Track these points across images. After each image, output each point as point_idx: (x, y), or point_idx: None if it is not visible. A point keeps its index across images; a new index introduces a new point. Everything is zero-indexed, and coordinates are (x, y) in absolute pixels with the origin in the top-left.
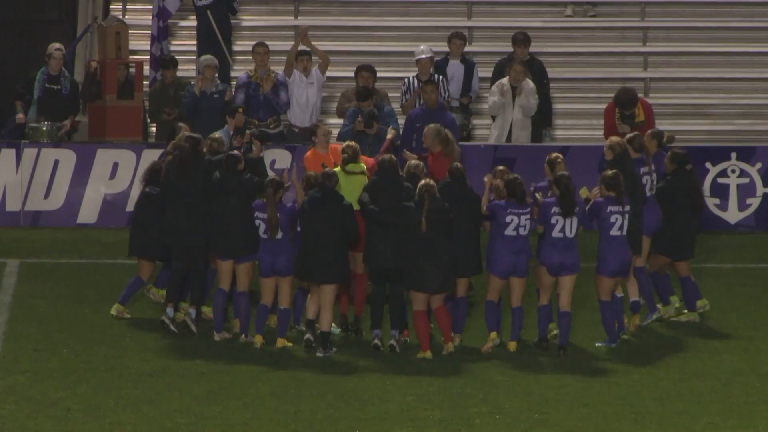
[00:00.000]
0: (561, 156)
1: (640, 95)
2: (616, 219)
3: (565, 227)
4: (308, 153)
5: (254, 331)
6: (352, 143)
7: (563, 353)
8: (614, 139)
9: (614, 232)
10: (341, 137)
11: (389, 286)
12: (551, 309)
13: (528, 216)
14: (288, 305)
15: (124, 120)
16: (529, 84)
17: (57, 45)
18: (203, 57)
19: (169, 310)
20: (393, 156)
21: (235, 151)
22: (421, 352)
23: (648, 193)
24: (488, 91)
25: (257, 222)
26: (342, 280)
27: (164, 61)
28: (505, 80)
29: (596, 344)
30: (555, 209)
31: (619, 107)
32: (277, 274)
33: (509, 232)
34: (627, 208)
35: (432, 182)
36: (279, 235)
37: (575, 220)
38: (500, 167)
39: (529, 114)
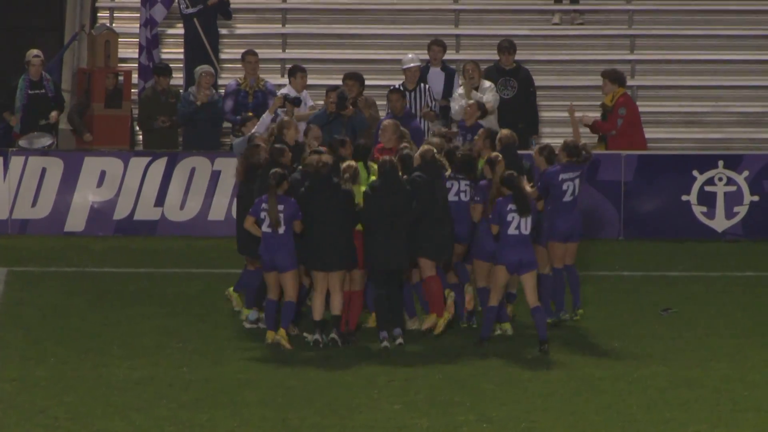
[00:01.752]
0: (500, 156)
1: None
2: (568, 186)
3: (520, 224)
4: None
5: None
6: (353, 163)
7: (545, 348)
8: (505, 131)
9: (566, 198)
10: (313, 122)
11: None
12: (496, 312)
13: (467, 182)
14: (293, 298)
15: (111, 128)
16: (485, 83)
17: (35, 51)
18: (199, 66)
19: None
20: (393, 158)
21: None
22: (439, 318)
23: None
24: None
25: (262, 215)
26: (348, 267)
27: (159, 69)
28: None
29: (547, 320)
30: (511, 206)
31: None
32: (276, 270)
33: (451, 197)
34: (578, 173)
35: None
36: (281, 230)
37: (529, 217)
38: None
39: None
